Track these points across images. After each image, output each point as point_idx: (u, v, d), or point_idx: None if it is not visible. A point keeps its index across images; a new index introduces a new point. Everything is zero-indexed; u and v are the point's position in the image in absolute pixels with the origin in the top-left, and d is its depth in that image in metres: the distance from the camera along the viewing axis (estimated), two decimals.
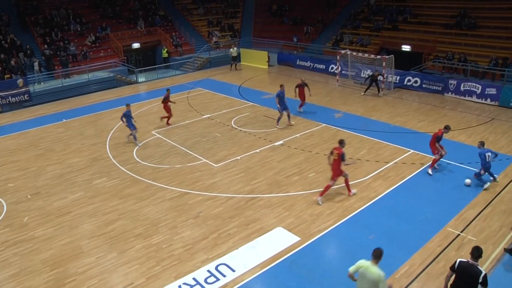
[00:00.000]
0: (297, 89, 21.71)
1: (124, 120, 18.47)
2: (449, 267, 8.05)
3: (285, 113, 19.83)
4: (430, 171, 14.84)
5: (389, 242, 11.18)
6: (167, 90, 21.10)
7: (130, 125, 18.54)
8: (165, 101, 20.65)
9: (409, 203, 13.06)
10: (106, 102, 26.38)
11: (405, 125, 19.62)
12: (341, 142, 12.91)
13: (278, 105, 19.54)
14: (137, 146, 18.56)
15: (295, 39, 35.47)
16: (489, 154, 13.52)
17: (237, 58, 34.67)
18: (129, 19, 36.48)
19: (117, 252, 11.46)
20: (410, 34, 29.73)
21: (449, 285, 8.16)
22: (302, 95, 21.76)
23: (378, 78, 24.69)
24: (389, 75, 25.82)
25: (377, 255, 7.56)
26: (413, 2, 32.52)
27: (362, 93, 25.22)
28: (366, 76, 26.18)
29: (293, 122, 20.25)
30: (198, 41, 37.91)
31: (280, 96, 19.36)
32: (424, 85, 25.36)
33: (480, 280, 7.48)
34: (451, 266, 7.93)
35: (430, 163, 15.07)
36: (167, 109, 20.79)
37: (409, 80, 26.01)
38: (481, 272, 7.55)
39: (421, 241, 11.19)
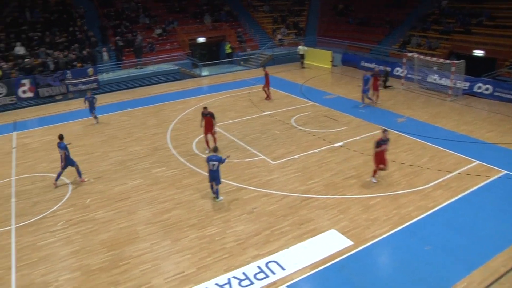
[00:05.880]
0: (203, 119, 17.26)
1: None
2: None
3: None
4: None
5: (447, 255, 10.70)
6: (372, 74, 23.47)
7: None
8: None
9: (470, 217, 12.39)
10: (169, 94, 27.13)
11: (472, 134, 18.65)
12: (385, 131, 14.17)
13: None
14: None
15: None
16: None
17: (304, 56, 34.58)
18: (196, 14, 37.25)
19: (171, 240, 11.74)
20: (484, 38, 28.15)
21: None
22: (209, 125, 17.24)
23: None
24: (458, 81, 24.69)
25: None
26: (491, 4, 30.67)
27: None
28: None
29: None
30: (263, 38, 38.07)
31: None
32: (496, 93, 23.98)
33: None
34: None
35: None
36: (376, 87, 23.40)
37: (479, 87, 24.70)
38: None
39: (482, 258, 10.56)
